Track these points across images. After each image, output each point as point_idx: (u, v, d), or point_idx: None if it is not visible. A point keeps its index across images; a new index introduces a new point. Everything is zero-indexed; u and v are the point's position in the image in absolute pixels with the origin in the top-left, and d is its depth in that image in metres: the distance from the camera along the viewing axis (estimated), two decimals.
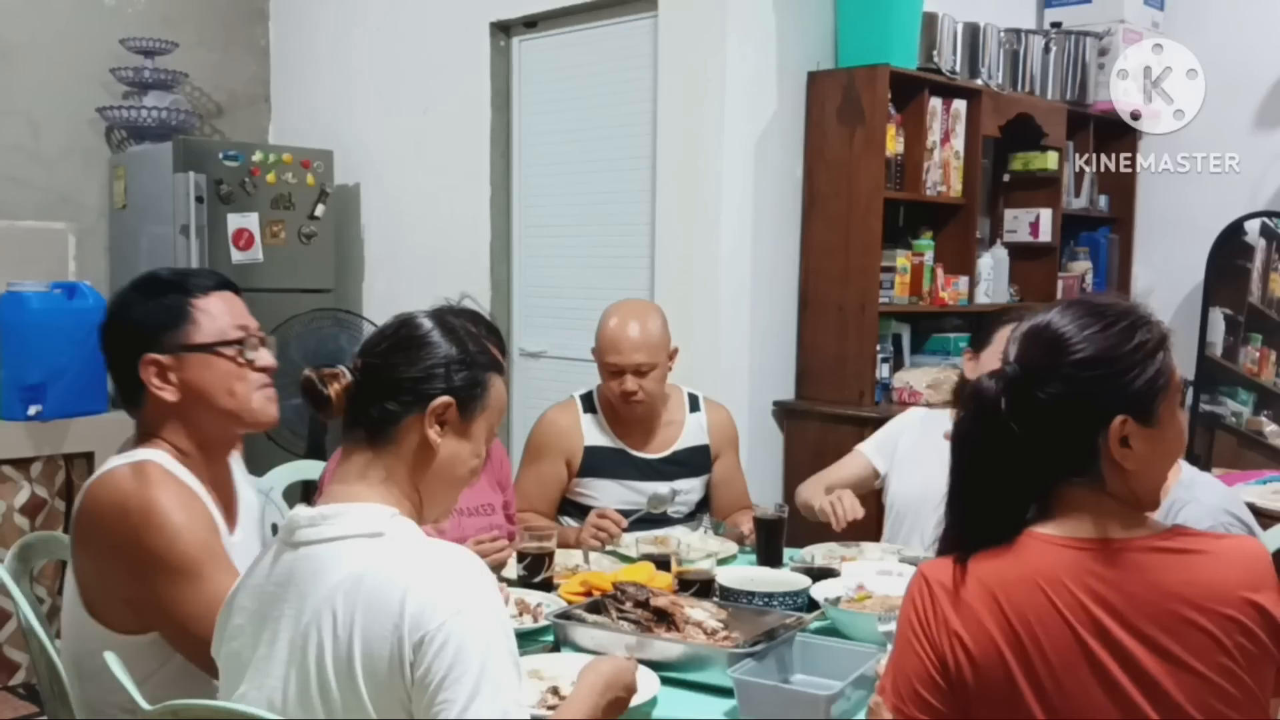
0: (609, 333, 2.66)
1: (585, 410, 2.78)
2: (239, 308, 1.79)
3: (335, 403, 1.38)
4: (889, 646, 1.71)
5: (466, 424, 1.44)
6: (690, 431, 2.81)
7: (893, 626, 1.73)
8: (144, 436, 1.75)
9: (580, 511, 2.71)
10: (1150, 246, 4.78)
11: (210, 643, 1.46)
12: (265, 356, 1.78)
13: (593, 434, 2.74)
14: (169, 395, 1.71)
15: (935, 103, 3.86)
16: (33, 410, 3.64)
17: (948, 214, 4.02)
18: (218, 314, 1.74)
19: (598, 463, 2.72)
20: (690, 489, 2.78)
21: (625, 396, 2.65)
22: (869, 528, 2.57)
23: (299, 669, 1.29)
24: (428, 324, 1.44)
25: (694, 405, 2.84)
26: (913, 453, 2.65)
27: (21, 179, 4.43)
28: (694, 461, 2.79)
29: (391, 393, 1.40)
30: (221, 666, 1.42)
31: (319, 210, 4.49)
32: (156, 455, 1.69)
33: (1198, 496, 1.96)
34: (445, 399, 1.40)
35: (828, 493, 2.52)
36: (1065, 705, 1.22)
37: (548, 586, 2.23)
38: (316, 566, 1.32)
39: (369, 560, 1.30)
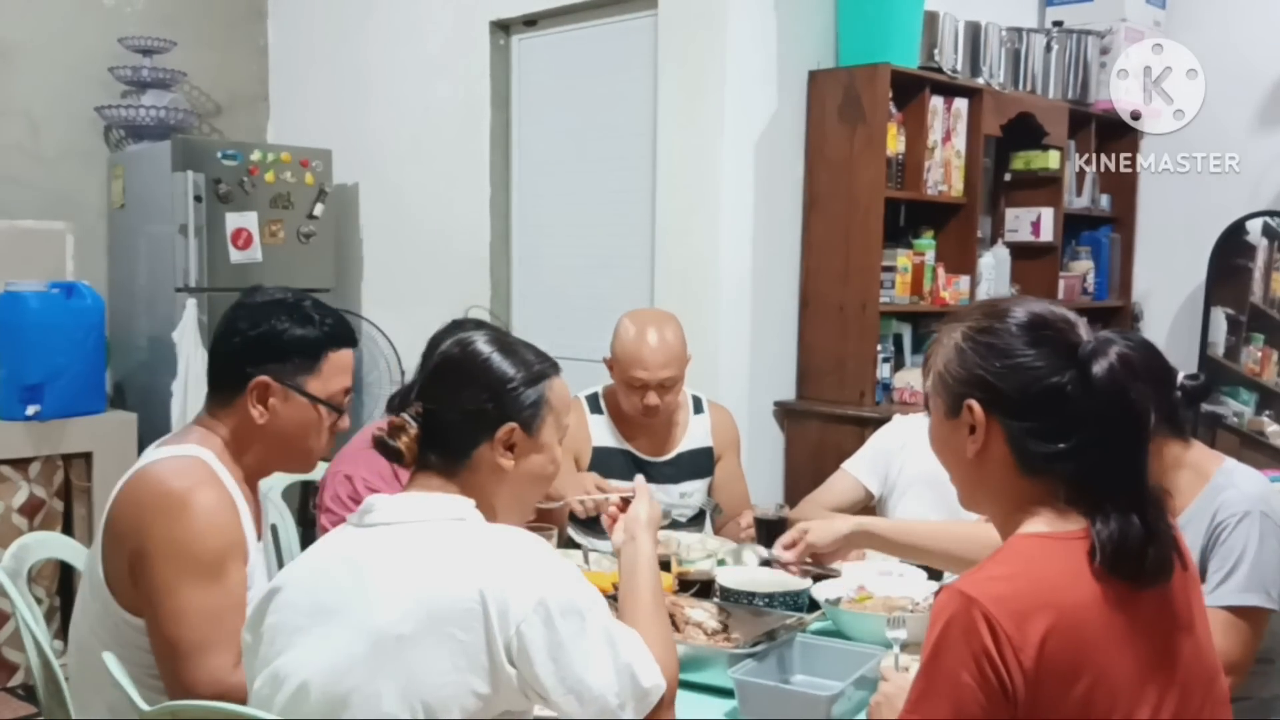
0: (632, 346, 2.62)
1: (592, 411, 2.77)
2: (350, 368, 1.85)
3: (407, 454, 1.44)
4: (896, 649, 1.70)
5: (536, 437, 1.48)
6: (694, 434, 2.80)
7: (902, 633, 1.73)
8: (208, 426, 1.79)
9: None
10: (1151, 246, 4.78)
11: (186, 645, 1.57)
12: (345, 421, 1.85)
13: (600, 435, 2.73)
14: (258, 417, 1.76)
15: (936, 102, 3.85)
16: (31, 410, 3.64)
17: (949, 213, 4.01)
18: (337, 372, 1.81)
19: (604, 464, 2.70)
20: (693, 491, 2.77)
21: (648, 411, 2.63)
22: None
23: (370, 638, 1.29)
24: (476, 354, 1.47)
25: (698, 407, 2.84)
26: (912, 473, 2.57)
27: (20, 178, 4.42)
28: (697, 463, 2.79)
29: (454, 432, 1.44)
30: (262, 637, 1.40)
31: (318, 210, 4.49)
32: (205, 454, 1.73)
33: (1237, 483, 1.98)
34: (509, 426, 1.45)
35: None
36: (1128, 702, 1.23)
37: None
38: (393, 545, 1.35)
39: (451, 543, 1.34)
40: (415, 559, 1.33)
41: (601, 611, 1.34)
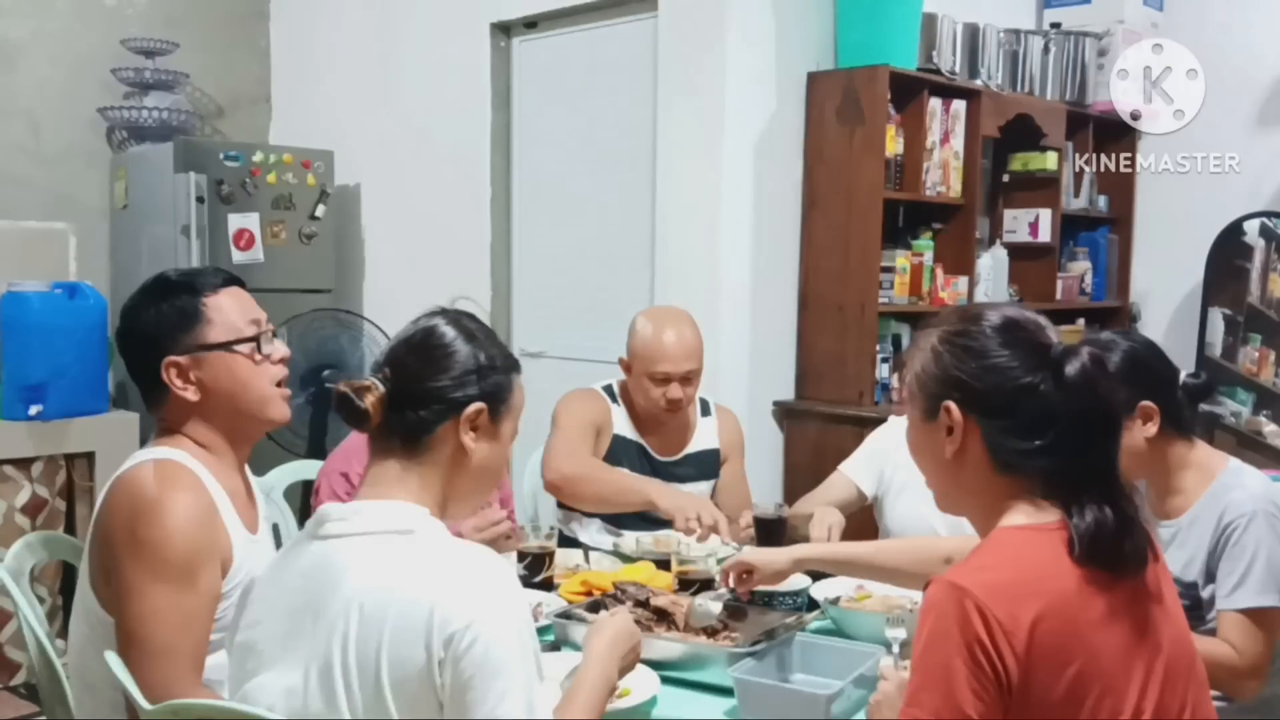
0: (654, 341, 2.65)
1: (611, 401, 2.79)
2: (248, 302, 1.82)
3: (373, 415, 1.40)
4: (896, 650, 1.71)
5: (496, 426, 1.47)
6: (702, 435, 2.82)
7: (902, 632, 1.73)
8: (166, 433, 1.78)
9: None
10: (1150, 246, 4.79)
11: (148, 646, 1.55)
12: (280, 349, 1.82)
13: (619, 424, 2.76)
14: (191, 395, 1.74)
15: (935, 103, 3.86)
16: (34, 410, 3.64)
17: (947, 214, 4.02)
18: (229, 311, 1.78)
19: (620, 454, 2.72)
20: (698, 493, 2.78)
21: (672, 404, 2.65)
22: None
23: (322, 662, 1.29)
24: (451, 331, 1.46)
25: (705, 410, 2.86)
26: (906, 475, 2.55)
27: (23, 179, 4.44)
28: (704, 464, 2.81)
29: (424, 402, 1.42)
30: (232, 655, 1.43)
31: (319, 210, 4.50)
32: (178, 455, 1.72)
33: (1244, 483, 1.98)
34: (478, 405, 1.43)
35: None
36: (1115, 693, 1.25)
37: (548, 586, 2.24)
38: (344, 560, 1.33)
39: (399, 562, 1.32)
40: (366, 579, 1.30)
41: (532, 649, 1.31)
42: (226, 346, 1.75)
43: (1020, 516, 1.32)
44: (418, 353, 1.44)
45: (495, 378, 1.46)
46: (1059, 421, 1.29)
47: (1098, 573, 1.27)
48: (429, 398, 1.41)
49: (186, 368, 1.74)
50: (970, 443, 1.34)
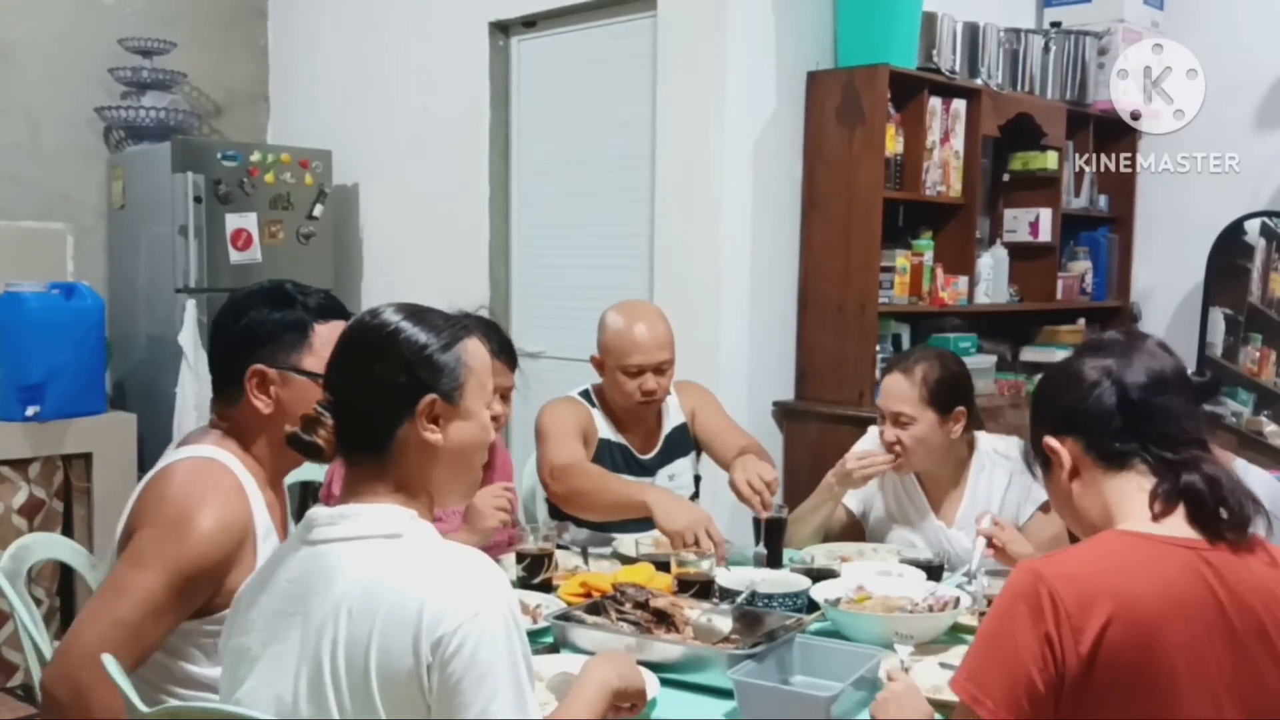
0: (625, 335, 2.65)
1: (590, 406, 2.78)
2: None
3: (327, 448, 1.38)
4: (900, 655, 1.70)
5: (458, 405, 1.40)
6: (671, 417, 2.84)
7: (910, 646, 1.73)
8: (225, 433, 1.76)
9: None
10: (1150, 246, 4.78)
11: (99, 638, 1.51)
12: None
13: (602, 428, 2.76)
14: (264, 407, 1.73)
15: (935, 102, 3.85)
16: (31, 411, 3.63)
17: (947, 214, 4.01)
18: (328, 343, 1.73)
19: (607, 457, 2.71)
20: (682, 470, 2.79)
21: (648, 396, 2.65)
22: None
23: (311, 666, 1.28)
24: (371, 333, 1.39)
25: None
26: (890, 493, 2.61)
27: (20, 178, 4.43)
28: (680, 441, 2.82)
29: (372, 414, 1.37)
30: (225, 661, 1.42)
31: (317, 210, 4.49)
32: (224, 456, 1.71)
33: (1251, 484, 1.97)
34: (428, 399, 1.36)
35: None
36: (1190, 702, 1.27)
37: (547, 587, 2.23)
38: (333, 565, 1.31)
39: (387, 565, 1.30)
40: (354, 583, 1.29)
41: (522, 652, 1.29)
42: (315, 376, 1.71)
43: (1135, 523, 1.36)
44: (345, 368, 1.39)
45: (435, 360, 1.37)
46: (1135, 408, 1.41)
47: (1206, 589, 1.29)
48: (372, 410, 1.36)
49: (271, 381, 1.73)
50: (1077, 462, 1.45)
